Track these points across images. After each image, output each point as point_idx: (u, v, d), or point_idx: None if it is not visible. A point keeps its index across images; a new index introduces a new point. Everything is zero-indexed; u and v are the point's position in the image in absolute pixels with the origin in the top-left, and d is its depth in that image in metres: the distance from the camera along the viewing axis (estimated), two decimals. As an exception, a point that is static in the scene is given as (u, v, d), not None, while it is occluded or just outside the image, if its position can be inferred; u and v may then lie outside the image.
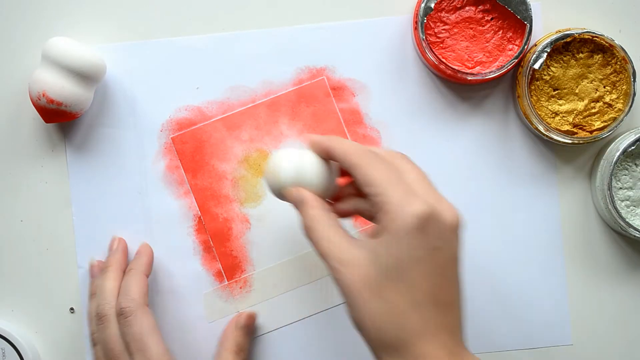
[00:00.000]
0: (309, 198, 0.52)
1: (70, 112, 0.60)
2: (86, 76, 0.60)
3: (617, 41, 0.60)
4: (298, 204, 0.53)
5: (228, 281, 0.63)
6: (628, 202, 0.62)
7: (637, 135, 0.60)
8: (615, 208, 0.60)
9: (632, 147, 0.60)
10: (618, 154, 0.60)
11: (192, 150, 0.63)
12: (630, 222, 0.61)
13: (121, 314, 0.57)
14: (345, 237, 0.49)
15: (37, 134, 0.64)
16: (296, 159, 0.54)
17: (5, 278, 0.64)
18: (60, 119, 0.61)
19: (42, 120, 0.62)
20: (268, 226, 0.64)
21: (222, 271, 0.63)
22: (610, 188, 0.60)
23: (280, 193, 0.55)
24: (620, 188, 0.62)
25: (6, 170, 0.64)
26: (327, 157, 0.53)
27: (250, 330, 0.63)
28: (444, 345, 0.47)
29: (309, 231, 0.51)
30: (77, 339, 0.63)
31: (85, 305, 0.63)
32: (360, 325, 0.48)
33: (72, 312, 0.64)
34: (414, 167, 0.51)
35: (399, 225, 0.47)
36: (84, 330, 0.63)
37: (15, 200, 0.64)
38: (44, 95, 0.59)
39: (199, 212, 0.63)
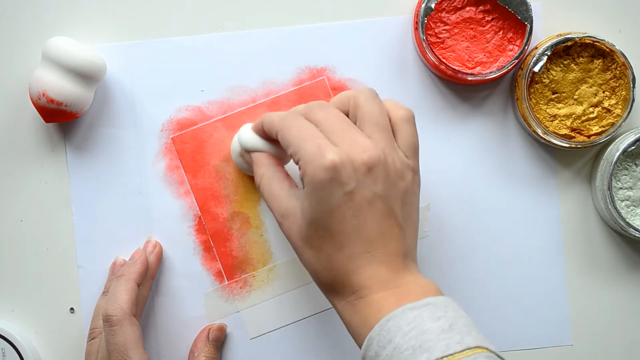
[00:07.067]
0: (257, 157, 0.57)
1: (70, 111, 0.60)
2: (86, 76, 0.60)
3: (617, 41, 0.60)
4: (253, 166, 0.57)
5: (228, 281, 0.63)
6: (628, 202, 0.62)
7: (637, 135, 0.60)
8: (615, 208, 0.61)
9: (632, 147, 0.60)
10: (618, 154, 0.60)
11: (193, 150, 0.63)
12: (630, 222, 0.61)
13: (107, 321, 0.56)
14: (287, 189, 0.53)
15: (37, 134, 0.64)
16: (239, 133, 0.59)
17: (5, 278, 0.63)
18: (60, 118, 0.61)
19: (42, 120, 0.62)
20: (268, 226, 0.64)
21: (222, 271, 0.63)
22: (610, 188, 0.60)
23: (240, 163, 0.60)
24: (620, 188, 0.62)
25: (6, 170, 0.64)
26: (263, 134, 0.57)
27: (220, 343, 0.63)
28: (382, 271, 0.49)
29: (258, 188, 0.55)
30: (77, 339, 0.63)
31: (84, 305, 0.63)
32: (307, 271, 0.52)
33: (72, 312, 0.64)
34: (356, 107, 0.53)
35: (311, 179, 0.49)
36: (84, 330, 0.63)
37: (15, 200, 0.63)
38: (44, 95, 0.59)
39: (199, 212, 0.63)
